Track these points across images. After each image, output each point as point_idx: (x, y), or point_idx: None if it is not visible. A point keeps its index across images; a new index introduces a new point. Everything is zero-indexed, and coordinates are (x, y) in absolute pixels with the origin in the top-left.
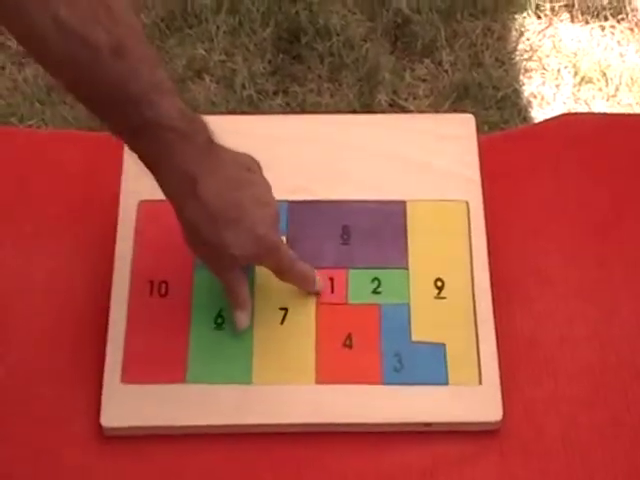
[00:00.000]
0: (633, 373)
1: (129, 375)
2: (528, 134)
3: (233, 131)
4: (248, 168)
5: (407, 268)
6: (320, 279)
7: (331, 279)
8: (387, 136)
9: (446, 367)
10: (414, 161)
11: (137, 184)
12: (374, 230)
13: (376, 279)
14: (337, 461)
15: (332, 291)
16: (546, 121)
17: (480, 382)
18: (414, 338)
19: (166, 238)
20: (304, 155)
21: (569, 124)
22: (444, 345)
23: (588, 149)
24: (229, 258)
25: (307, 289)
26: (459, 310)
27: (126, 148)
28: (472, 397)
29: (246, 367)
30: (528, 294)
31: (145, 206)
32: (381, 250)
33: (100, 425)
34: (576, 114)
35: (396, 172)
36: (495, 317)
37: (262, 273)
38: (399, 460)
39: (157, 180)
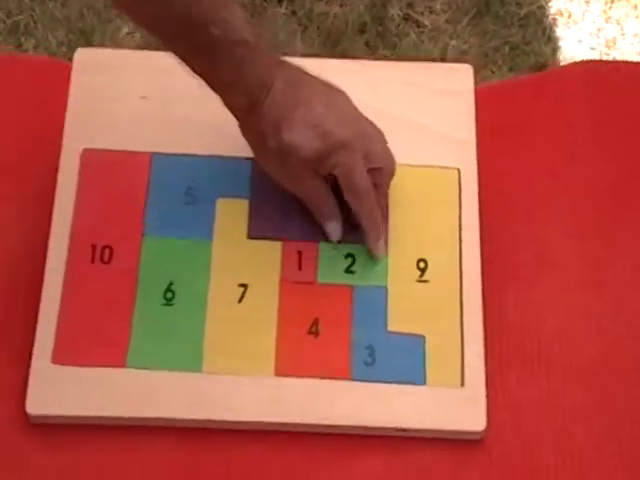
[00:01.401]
0: (638, 376)
1: (61, 355)
2: (535, 84)
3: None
4: (329, 85)
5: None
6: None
7: (299, 253)
8: (367, 88)
9: (424, 364)
10: (398, 119)
11: (83, 128)
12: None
13: (350, 256)
14: (295, 465)
15: (299, 267)
16: (557, 69)
17: (462, 384)
18: (390, 327)
19: (113, 195)
20: None
21: (585, 73)
22: (423, 337)
23: (605, 106)
24: (300, 163)
25: (372, 234)
26: (443, 296)
27: (73, 83)
28: (452, 401)
29: (196, 352)
30: (524, 279)
31: (90, 155)
32: (357, 222)
33: (25, 411)
34: (593, 62)
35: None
36: (484, 305)
37: (220, 244)
38: (368, 468)
39: (221, 96)
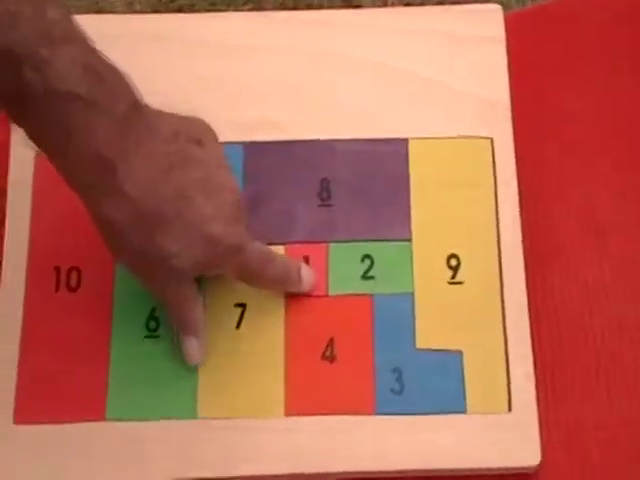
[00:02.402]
0: None
1: (25, 413)
2: (563, 10)
3: (164, 36)
4: (197, 140)
5: (410, 240)
6: (309, 272)
7: (305, 258)
8: (382, 42)
9: (463, 387)
10: (418, 79)
11: None
12: (364, 184)
13: (367, 257)
14: None
15: None
16: None
17: (510, 409)
18: (419, 344)
19: (76, 204)
20: (266, 72)
21: None
22: (460, 354)
23: None
24: (170, 271)
25: (290, 291)
26: (481, 301)
27: None
28: (499, 431)
29: (189, 394)
30: (575, 260)
31: (45, 160)
32: (374, 214)
33: None
34: None
35: (395, 96)
36: (531, 300)
37: None
38: None
39: (57, 168)
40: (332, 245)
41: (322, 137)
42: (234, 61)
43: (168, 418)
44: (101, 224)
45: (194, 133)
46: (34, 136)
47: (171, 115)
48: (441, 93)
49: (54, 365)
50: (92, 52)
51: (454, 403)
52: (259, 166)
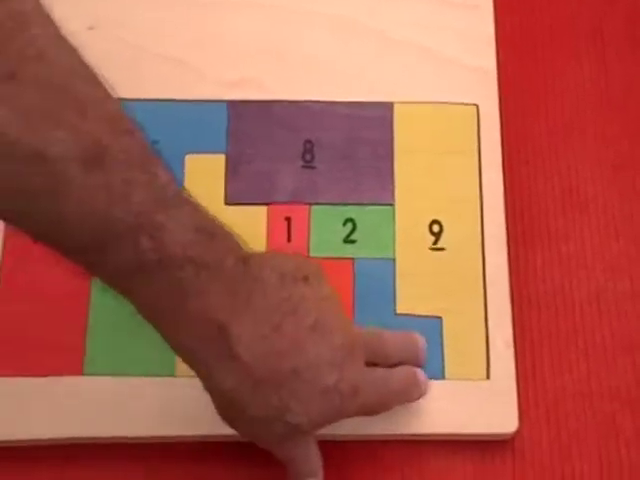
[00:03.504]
0: None
1: (1, 364)
2: None
3: None
4: (304, 278)
5: (393, 204)
6: (422, 376)
7: (287, 220)
8: (371, 6)
9: (442, 353)
10: (405, 44)
11: None
12: (348, 147)
13: (350, 221)
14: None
15: (288, 238)
16: None
17: (488, 376)
18: (400, 309)
19: None
20: (252, 31)
21: None
22: (440, 320)
23: None
24: (286, 428)
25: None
26: (462, 268)
27: None
28: (476, 398)
29: (167, 351)
30: (556, 233)
31: None
32: (357, 178)
33: None
34: None
35: (382, 60)
36: (511, 272)
37: None
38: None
39: (162, 334)
40: (314, 207)
41: (307, 98)
42: (219, 19)
43: (146, 375)
44: (213, 392)
45: (299, 271)
46: (141, 306)
47: (273, 256)
48: (428, 58)
49: (32, 317)
50: (199, 211)
51: (433, 369)
52: (243, 125)
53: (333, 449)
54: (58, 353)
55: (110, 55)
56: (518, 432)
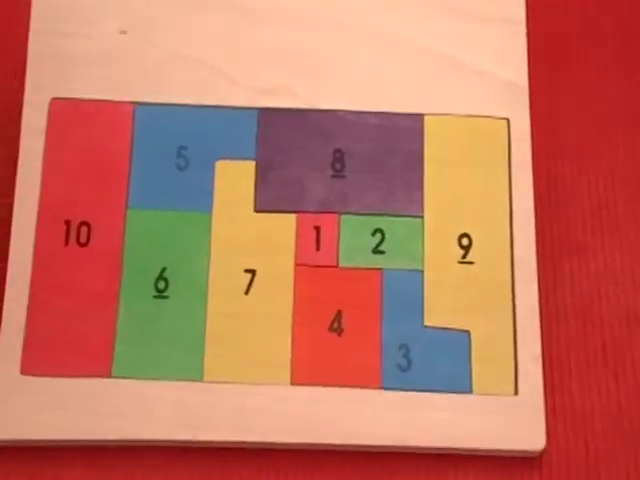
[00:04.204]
0: None
1: (31, 364)
2: None
3: None
4: None
5: (422, 216)
6: None
7: (316, 229)
8: (403, 16)
9: (470, 367)
10: (437, 55)
11: (49, 71)
12: (378, 158)
13: (379, 231)
14: None
15: (317, 247)
16: None
17: (516, 392)
18: (428, 322)
19: (88, 157)
20: (284, 39)
21: None
22: (468, 333)
23: None
24: None
25: None
26: (491, 282)
27: (34, 15)
28: (504, 414)
29: (196, 357)
30: (586, 248)
31: (59, 106)
32: (387, 188)
33: None
34: None
35: (413, 72)
36: (540, 287)
37: (220, 218)
38: None
39: None
40: (343, 217)
41: (337, 108)
42: (253, 27)
43: (174, 379)
44: None
45: None
46: None
47: None
48: (460, 71)
49: (62, 319)
50: None
51: (460, 383)
52: (273, 133)
53: (352, 459)
54: (87, 355)
55: (141, 59)
56: (545, 449)
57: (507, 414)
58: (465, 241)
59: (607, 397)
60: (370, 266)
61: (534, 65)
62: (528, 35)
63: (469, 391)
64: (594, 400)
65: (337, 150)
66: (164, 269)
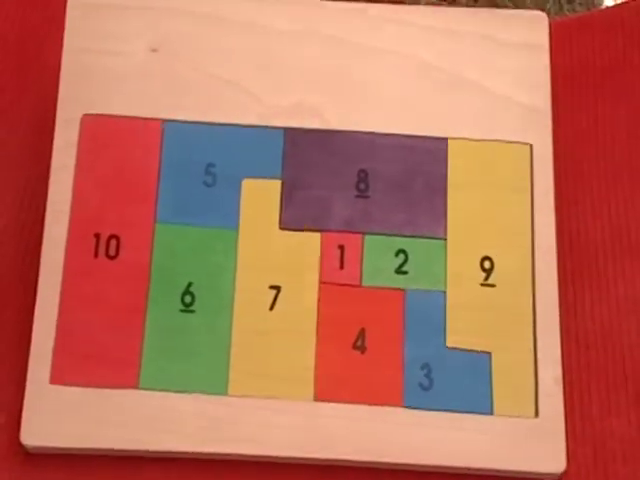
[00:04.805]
0: None
1: (61, 374)
2: (610, 19)
3: (212, 16)
4: None
5: (445, 238)
6: None
7: (340, 248)
8: (427, 40)
9: (491, 388)
10: (461, 80)
11: (81, 88)
12: (402, 179)
13: (402, 252)
14: None
15: (341, 266)
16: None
17: (537, 414)
18: (450, 342)
19: (118, 172)
20: (311, 60)
21: None
22: (489, 355)
23: None
24: None
25: None
26: (512, 304)
27: (67, 33)
28: (524, 435)
29: (221, 371)
30: (606, 275)
31: (90, 123)
32: (410, 209)
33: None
34: None
35: (437, 95)
36: (560, 313)
37: (246, 234)
38: None
39: None
40: (367, 237)
41: (363, 129)
42: (281, 46)
43: (199, 392)
44: None
45: None
46: None
47: None
48: (483, 96)
49: (91, 330)
50: None
51: (481, 404)
52: (298, 152)
53: (373, 476)
54: (115, 366)
55: (171, 77)
56: (566, 472)
57: (527, 436)
58: (487, 264)
59: (627, 422)
60: (393, 286)
61: (557, 90)
62: (551, 60)
63: (490, 412)
64: (614, 424)
65: (362, 170)
66: (190, 284)
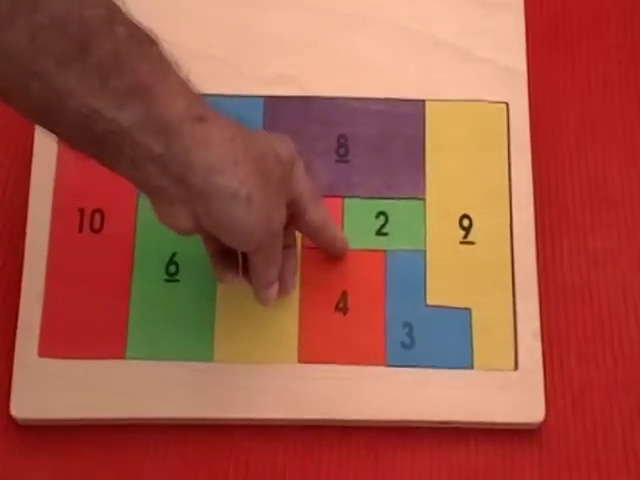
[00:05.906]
0: None
1: (49, 347)
2: None
3: None
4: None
5: (424, 199)
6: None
7: None
8: (403, 4)
9: (471, 344)
10: (437, 42)
11: None
12: (381, 143)
13: (382, 214)
14: (323, 464)
15: None
16: None
17: (516, 367)
18: (430, 300)
19: None
20: (289, 28)
21: None
22: (469, 311)
23: None
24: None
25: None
26: (491, 261)
27: None
28: (504, 388)
29: (206, 338)
30: (584, 228)
31: None
32: (390, 172)
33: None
34: None
35: (414, 58)
36: (539, 265)
37: None
38: (408, 467)
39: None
40: (348, 200)
41: (341, 95)
42: (257, 16)
43: (185, 360)
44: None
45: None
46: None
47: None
48: (459, 57)
49: (77, 303)
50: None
51: (462, 359)
52: (279, 120)
53: (358, 434)
54: (102, 337)
55: None
56: (544, 422)
57: (507, 388)
58: (466, 222)
59: (604, 370)
60: (374, 248)
61: (533, 49)
62: (526, 20)
63: (470, 367)
64: (592, 373)
65: (341, 136)
66: (174, 254)
